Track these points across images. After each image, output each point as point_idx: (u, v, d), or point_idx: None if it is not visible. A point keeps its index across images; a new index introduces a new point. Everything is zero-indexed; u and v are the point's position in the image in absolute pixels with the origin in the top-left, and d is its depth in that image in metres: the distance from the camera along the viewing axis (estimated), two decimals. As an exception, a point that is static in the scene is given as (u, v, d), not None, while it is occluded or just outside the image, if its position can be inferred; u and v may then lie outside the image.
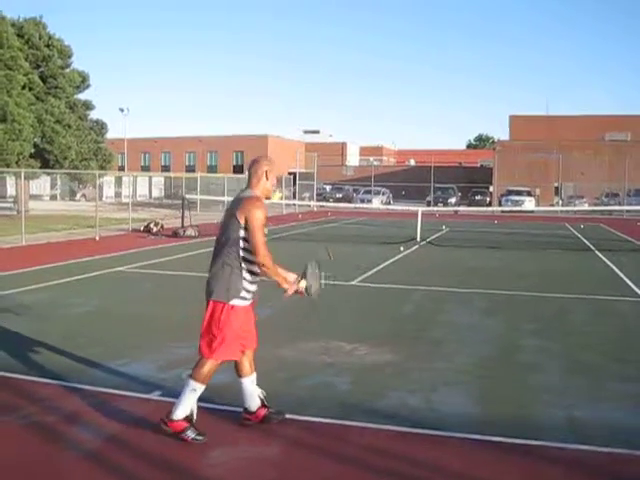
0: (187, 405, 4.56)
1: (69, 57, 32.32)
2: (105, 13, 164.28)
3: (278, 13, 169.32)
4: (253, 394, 4.84)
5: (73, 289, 10.93)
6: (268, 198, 4.80)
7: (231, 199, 5.02)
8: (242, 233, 4.48)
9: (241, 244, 4.50)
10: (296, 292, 4.74)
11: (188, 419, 4.57)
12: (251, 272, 4.57)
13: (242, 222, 4.46)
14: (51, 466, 4.26)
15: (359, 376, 6.22)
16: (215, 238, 4.73)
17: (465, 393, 5.80)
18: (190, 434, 4.53)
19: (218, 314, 4.49)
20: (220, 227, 4.68)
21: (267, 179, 4.66)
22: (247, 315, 4.66)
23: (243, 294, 4.55)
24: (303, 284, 4.76)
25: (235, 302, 4.51)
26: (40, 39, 30.53)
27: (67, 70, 32.10)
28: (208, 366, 4.54)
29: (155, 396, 5.54)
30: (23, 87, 27.70)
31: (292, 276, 4.76)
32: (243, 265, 4.53)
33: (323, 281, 4.99)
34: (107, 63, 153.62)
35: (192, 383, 4.55)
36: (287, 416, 4.97)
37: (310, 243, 20.08)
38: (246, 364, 4.77)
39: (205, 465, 4.34)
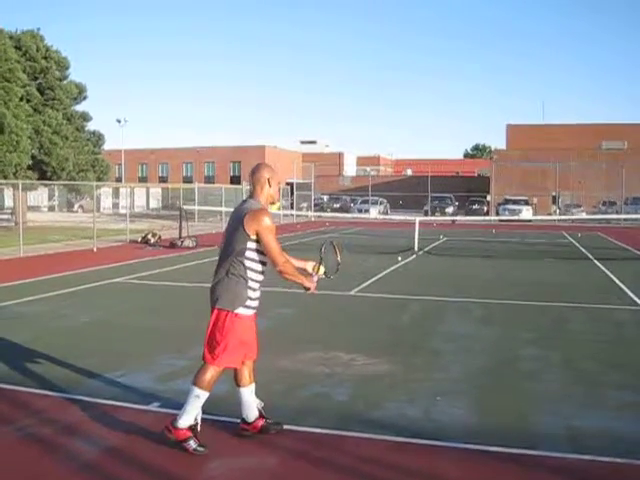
0: (191, 413, 4.55)
1: (66, 69, 32.45)
2: (101, 24, 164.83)
3: (275, 23, 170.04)
4: (251, 404, 4.83)
5: (71, 300, 10.91)
6: (273, 203, 4.84)
7: (230, 209, 5.03)
8: (249, 244, 4.50)
9: (247, 254, 4.52)
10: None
11: (192, 428, 4.57)
12: (256, 281, 4.61)
13: (251, 234, 4.47)
14: (49, 478, 4.24)
15: (357, 386, 6.21)
16: (220, 247, 4.74)
17: (464, 403, 5.79)
18: (192, 444, 4.52)
19: (222, 321, 4.51)
20: (225, 236, 4.69)
21: (270, 186, 4.69)
22: (250, 325, 4.68)
23: (248, 303, 4.57)
24: (322, 270, 4.86)
25: (240, 311, 4.53)
26: (37, 51, 30.65)
27: (64, 82, 32.21)
28: (210, 373, 4.54)
29: (154, 407, 5.53)
30: (21, 99, 27.77)
31: (310, 265, 4.87)
32: (249, 275, 4.55)
33: (339, 258, 5.04)
34: (104, 74, 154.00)
35: (195, 390, 4.55)
36: (285, 427, 4.96)
37: (309, 253, 20.08)
38: (245, 374, 4.77)
39: (203, 476, 4.33)
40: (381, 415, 5.45)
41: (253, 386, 4.84)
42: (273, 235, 4.52)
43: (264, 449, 4.69)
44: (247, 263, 4.54)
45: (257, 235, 4.48)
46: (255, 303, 4.66)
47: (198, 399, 4.55)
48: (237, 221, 4.56)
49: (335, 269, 5.01)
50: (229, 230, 4.65)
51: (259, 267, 4.60)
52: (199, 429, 4.61)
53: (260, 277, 4.65)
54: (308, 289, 4.78)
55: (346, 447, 4.75)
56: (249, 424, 4.85)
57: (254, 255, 4.54)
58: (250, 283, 4.57)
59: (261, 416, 4.87)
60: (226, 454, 4.61)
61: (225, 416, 5.17)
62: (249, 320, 4.65)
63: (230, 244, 4.57)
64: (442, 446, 4.75)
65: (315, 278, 4.83)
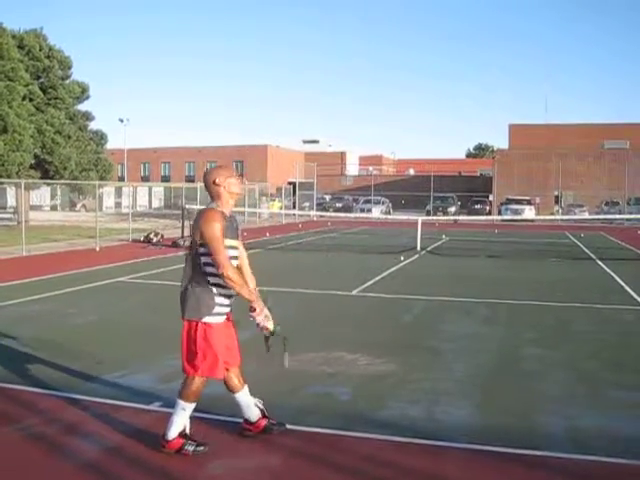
0: (180, 424, 4.51)
1: (69, 68, 32.50)
2: (103, 23, 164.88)
3: (277, 21, 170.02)
4: (250, 405, 4.80)
5: (73, 300, 10.91)
6: (239, 195, 4.56)
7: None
8: (201, 249, 4.37)
9: (202, 259, 4.38)
10: (261, 327, 4.51)
11: (182, 434, 4.53)
12: (220, 286, 4.40)
13: (197, 238, 4.36)
14: (51, 477, 4.24)
15: (360, 386, 6.20)
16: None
17: (466, 403, 5.78)
18: (189, 448, 4.50)
19: (194, 332, 4.39)
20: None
21: (224, 187, 4.47)
22: (226, 331, 4.53)
23: (216, 310, 4.41)
24: (271, 325, 4.56)
25: (208, 319, 4.39)
26: (40, 50, 30.69)
27: (67, 81, 32.28)
28: (195, 384, 4.45)
29: (155, 407, 5.53)
30: (23, 98, 27.81)
31: (261, 303, 4.50)
32: (210, 280, 4.39)
33: (286, 362, 4.83)
34: (106, 74, 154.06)
35: (181, 403, 4.49)
36: (287, 426, 4.95)
37: (311, 253, 20.08)
38: (234, 380, 4.68)
39: (204, 476, 4.32)
40: (384, 415, 5.45)
41: (246, 388, 4.77)
42: (216, 238, 4.27)
43: (266, 448, 4.68)
44: (208, 269, 4.37)
45: (202, 238, 4.32)
46: (225, 309, 4.49)
47: (184, 412, 4.50)
48: (193, 226, 4.51)
49: (267, 348, 4.64)
50: (191, 236, 4.54)
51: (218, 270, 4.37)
52: (190, 431, 4.57)
53: (223, 281, 4.40)
54: (253, 310, 4.41)
55: (349, 447, 4.74)
56: (252, 424, 4.83)
57: (209, 259, 4.35)
58: (215, 289, 4.40)
59: (264, 416, 4.85)
60: (227, 454, 4.60)
61: (226, 415, 5.16)
62: (223, 327, 4.49)
63: (191, 249, 4.47)
64: (445, 446, 4.75)
65: (263, 312, 4.48)
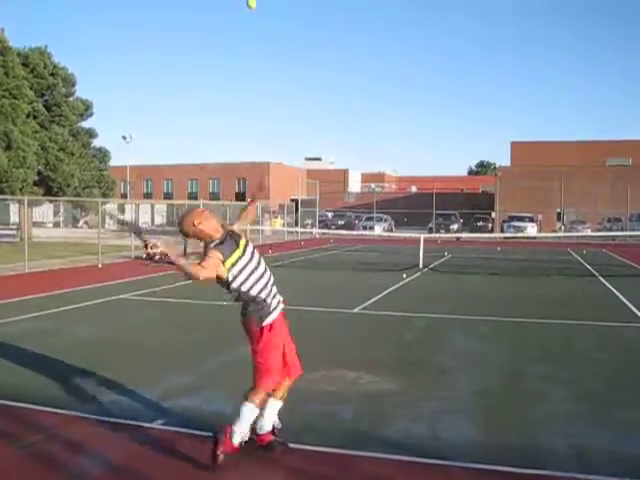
0: (246, 427, 4.60)
1: (73, 85, 32.74)
2: (107, 39, 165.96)
3: (278, 39, 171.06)
4: (270, 418, 4.83)
5: (76, 317, 10.91)
6: (217, 221, 4.74)
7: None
8: (231, 285, 4.64)
9: (236, 289, 4.66)
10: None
11: (241, 446, 4.59)
12: (260, 293, 4.68)
13: (219, 278, 4.63)
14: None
15: (362, 405, 6.17)
16: None
17: (469, 422, 5.75)
18: (222, 457, 4.52)
19: (259, 339, 4.66)
20: None
21: (203, 225, 4.64)
22: (283, 329, 4.83)
23: (272, 307, 4.74)
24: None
25: (270, 319, 4.69)
26: (45, 68, 30.95)
27: (71, 98, 32.51)
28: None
29: (157, 425, 5.50)
30: (28, 115, 27.99)
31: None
32: (251, 296, 4.66)
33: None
34: (110, 90, 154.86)
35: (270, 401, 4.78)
36: (289, 445, 4.92)
37: (313, 270, 20.08)
38: (282, 389, 4.86)
39: (207, 495, 4.30)
40: (386, 434, 5.41)
41: (280, 404, 4.88)
42: (211, 259, 4.53)
43: (268, 467, 4.66)
44: (245, 293, 4.66)
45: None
46: (276, 300, 4.80)
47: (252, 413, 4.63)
48: None
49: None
50: None
51: (255, 282, 4.67)
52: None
53: (262, 282, 4.70)
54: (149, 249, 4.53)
55: (351, 466, 4.71)
56: (258, 435, 4.82)
57: (239, 281, 4.61)
58: (260, 297, 4.67)
59: (272, 433, 4.85)
60: (229, 473, 4.56)
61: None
62: (280, 323, 4.80)
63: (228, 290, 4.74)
64: (448, 465, 4.71)
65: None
